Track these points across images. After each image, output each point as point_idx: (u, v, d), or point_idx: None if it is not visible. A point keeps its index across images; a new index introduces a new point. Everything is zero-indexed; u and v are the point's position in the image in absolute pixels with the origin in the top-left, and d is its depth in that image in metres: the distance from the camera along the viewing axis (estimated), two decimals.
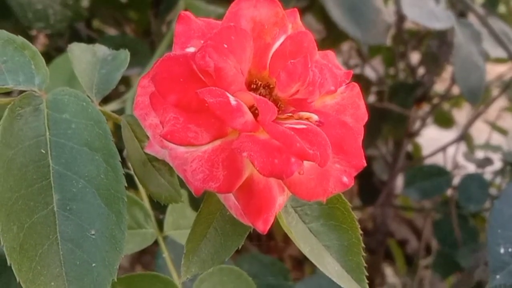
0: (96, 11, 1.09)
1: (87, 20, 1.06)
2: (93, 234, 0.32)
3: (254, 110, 0.29)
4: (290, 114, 0.31)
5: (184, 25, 0.32)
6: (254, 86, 0.32)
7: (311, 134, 0.29)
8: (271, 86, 0.32)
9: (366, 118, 0.33)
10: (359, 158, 0.31)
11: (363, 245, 0.37)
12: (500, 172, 1.07)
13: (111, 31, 1.16)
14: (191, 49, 0.31)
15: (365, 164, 0.31)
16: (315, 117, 0.30)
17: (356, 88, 0.33)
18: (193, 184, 0.29)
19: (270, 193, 0.30)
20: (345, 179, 0.30)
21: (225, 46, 0.29)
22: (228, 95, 0.28)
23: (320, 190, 0.30)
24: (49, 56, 0.89)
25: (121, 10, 1.12)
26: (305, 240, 0.36)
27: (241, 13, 0.31)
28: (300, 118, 0.31)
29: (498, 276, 0.50)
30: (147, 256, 1.14)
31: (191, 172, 0.29)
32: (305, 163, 0.28)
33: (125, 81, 0.96)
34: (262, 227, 0.30)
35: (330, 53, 0.35)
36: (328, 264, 0.36)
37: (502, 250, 0.50)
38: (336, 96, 0.32)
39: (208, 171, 0.29)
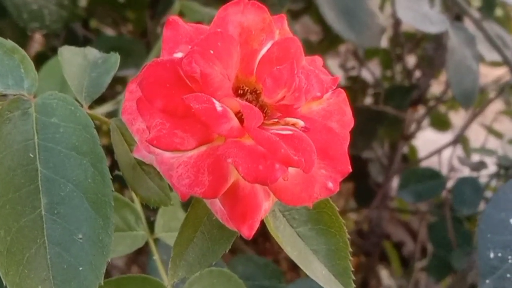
0: (93, 10, 1.09)
1: (84, 20, 1.06)
2: (80, 238, 0.32)
3: (240, 116, 0.29)
4: (276, 120, 0.31)
5: (172, 30, 0.32)
6: (241, 91, 0.32)
7: (296, 140, 0.29)
8: (258, 91, 0.32)
9: (352, 124, 0.33)
10: (344, 164, 0.31)
11: (350, 249, 0.37)
12: (495, 176, 1.07)
13: (108, 31, 1.16)
14: (178, 55, 0.31)
15: (351, 170, 0.31)
16: (301, 123, 0.31)
17: (342, 94, 0.33)
18: (179, 189, 0.29)
19: (256, 198, 0.30)
20: (330, 184, 0.31)
21: (212, 52, 0.29)
22: (214, 101, 0.28)
23: (306, 196, 0.30)
24: (45, 56, 0.89)
25: (118, 10, 1.12)
26: (293, 244, 0.37)
27: (228, 18, 0.32)
28: (286, 124, 0.31)
29: (487, 281, 0.50)
30: (143, 257, 1.14)
31: (177, 177, 0.29)
32: (290, 169, 0.29)
33: (122, 82, 0.96)
34: (247, 233, 0.30)
35: (317, 58, 0.35)
36: (315, 268, 0.37)
37: (492, 255, 0.50)
38: (322, 102, 0.33)
39: (194, 176, 0.29)
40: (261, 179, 0.27)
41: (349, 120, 0.33)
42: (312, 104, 0.32)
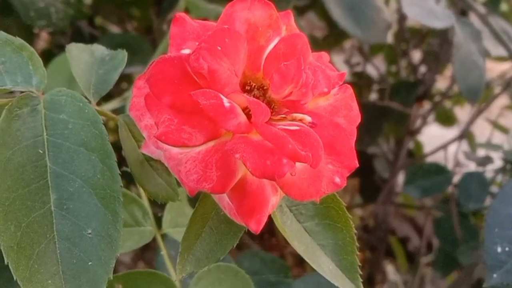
0: (99, 8, 1.09)
1: (90, 18, 1.06)
2: (89, 233, 0.32)
3: (247, 112, 0.30)
4: (283, 116, 0.31)
5: (179, 27, 0.33)
6: (249, 87, 0.32)
7: (303, 136, 0.29)
8: (265, 87, 0.32)
9: (359, 120, 0.33)
10: (351, 159, 0.31)
11: (357, 244, 0.37)
12: (501, 170, 1.06)
13: (114, 29, 1.17)
14: (186, 51, 0.31)
15: (358, 165, 0.31)
16: (308, 118, 0.31)
17: (349, 89, 0.33)
18: (187, 184, 0.30)
19: (263, 193, 0.30)
20: (337, 179, 0.31)
21: (219, 48, 0.29)
22: (222, 97, 0.29)
23: (313, 191, 0.31)
24: (51, 53, 0.90)
25: (123, 7, 1.12)
26: (300, 239, 0.37)
27: (235, 15, 0.32)
28: (294, 120, 0.31)
29: (495, 275, 0.50)
30: (149, 253, 1.14)
31: (185, 172, 0.29)
32: (298, 164, 0.29)
33: (128, 79, 0.96)
34: (255, 227, 0.30)
35: (324, 54, 0.35)
36: (322, 263, 0.37)
37: (499, 249, 0.51)
38: (329, 98, 0.33)
39: (202, 171, 0.29)
40: (268, 174, 0.28)
41: (356, 116, 0.33)
42: (319, 99, 0.33)
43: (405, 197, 1.37)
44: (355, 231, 0.38)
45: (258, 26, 0.32)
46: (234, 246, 0.35)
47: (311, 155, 0.28)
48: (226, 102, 0.29)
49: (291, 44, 0.32)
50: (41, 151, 0.33)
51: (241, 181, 0.30)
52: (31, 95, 0.35)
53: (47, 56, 0.84)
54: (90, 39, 0.97)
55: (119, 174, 0.34)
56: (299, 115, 0.31)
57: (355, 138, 0.33)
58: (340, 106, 0.33)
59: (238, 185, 0.30)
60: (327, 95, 0.33)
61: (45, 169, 0.33)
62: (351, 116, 0.33)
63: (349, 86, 0.33)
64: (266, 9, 0.32)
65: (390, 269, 1.38)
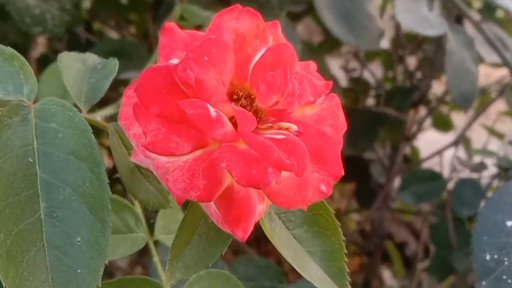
0: (96, 13, 1.10)
1: (87, 23, 1.07)
2: (78, 241, 0.32)
3: (234, 121, 0.30)
4: (270, 124, 0.32)
5: (168, 37, 0.33)
6: (236, 96, 0.32)
7: (289, 144, 0.30)
8: (252, 96, 0.32)
9: (345, 128, 0.34)
10: (337, 167, 0.31)
11: (345, 251, 0.38)
12: (497, 177, 1.07)
13: (112, 34, 1.17)
14: (174, 61, 0.32)
15: (343, 173, 0.32)
16: (294, 127, 0.31)
17: (335, 98, 0.34)
18: (174, 193, 0.30)
19: (250, 201, 0.31)
20: (323, 187, 0.31)
21: (206, 58, 0.29)
22: (209, 106, 0.29)
23: (299, 199, 0.31)
24: (48, 59, 0.90)
25: (121, 13, 1.13)
26: (288, 246, 0.37)
27: (223, 25, 0.32)
28: (280, 128, 0.31)
29: (484, 283, 0.50)
30: (146, 258, 1.14)
31: (172, 181, 0.30)
32: (284, 172, 0.29)
33: (125, 84, 0.96)
34: (241, 235, 0.30)
35: (311, 63, 0.35)
36: (311, 269, 0.37)
37: (488, 257, 0.51)
38: (315, 107, 0.33)
39: (189, 180, 0.29)
40: (254, 183, 0.28)
41: (342, 124, 0.34)
42: (306, 108, 0.33)
43: (402, 202, 1.37)
44: (344, 238, 0.38)
45: (245, 36, 0.32)
46: (223, 253, 0.35)
47: (297, 164, 0.29)
48: (212, 112, 0.29)
49: (278, 54, 0.32)
50: (31, 160, 0.33)
51: (227, 190, 0.30)
52: (21, 104, 0.35)
53: (44, 61, 0.85)
54: (86, 45, 0.98)
55: (108, 183, 0.34)
56: (285, 124, 0.31)
57: (341, 147, 0.33)
58: (326, 115, 0.33)
59: (224, 194, 0.30)
60: (314, 104, 0.33)
61: (35, 178, 0.33)
62: (337, 125, 0.33)
63: (335, 95, 0.34)
64: (254, 19, 0.33)
65: (387, 274, 1.38)
